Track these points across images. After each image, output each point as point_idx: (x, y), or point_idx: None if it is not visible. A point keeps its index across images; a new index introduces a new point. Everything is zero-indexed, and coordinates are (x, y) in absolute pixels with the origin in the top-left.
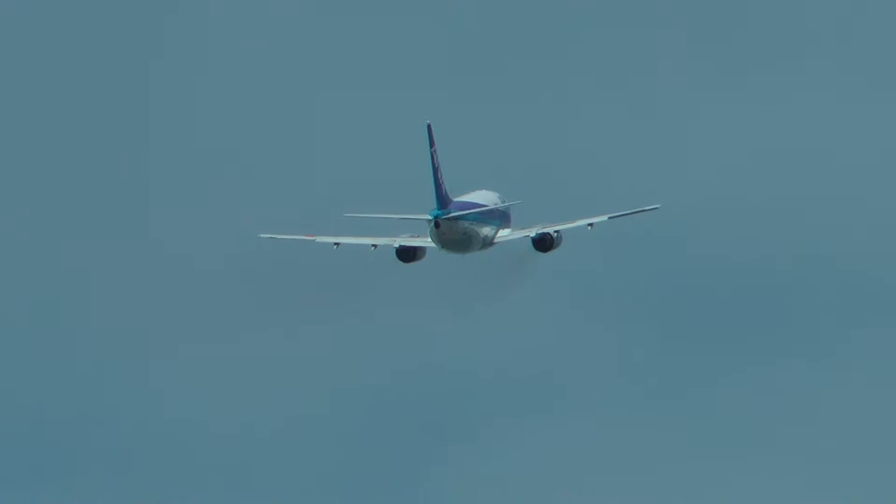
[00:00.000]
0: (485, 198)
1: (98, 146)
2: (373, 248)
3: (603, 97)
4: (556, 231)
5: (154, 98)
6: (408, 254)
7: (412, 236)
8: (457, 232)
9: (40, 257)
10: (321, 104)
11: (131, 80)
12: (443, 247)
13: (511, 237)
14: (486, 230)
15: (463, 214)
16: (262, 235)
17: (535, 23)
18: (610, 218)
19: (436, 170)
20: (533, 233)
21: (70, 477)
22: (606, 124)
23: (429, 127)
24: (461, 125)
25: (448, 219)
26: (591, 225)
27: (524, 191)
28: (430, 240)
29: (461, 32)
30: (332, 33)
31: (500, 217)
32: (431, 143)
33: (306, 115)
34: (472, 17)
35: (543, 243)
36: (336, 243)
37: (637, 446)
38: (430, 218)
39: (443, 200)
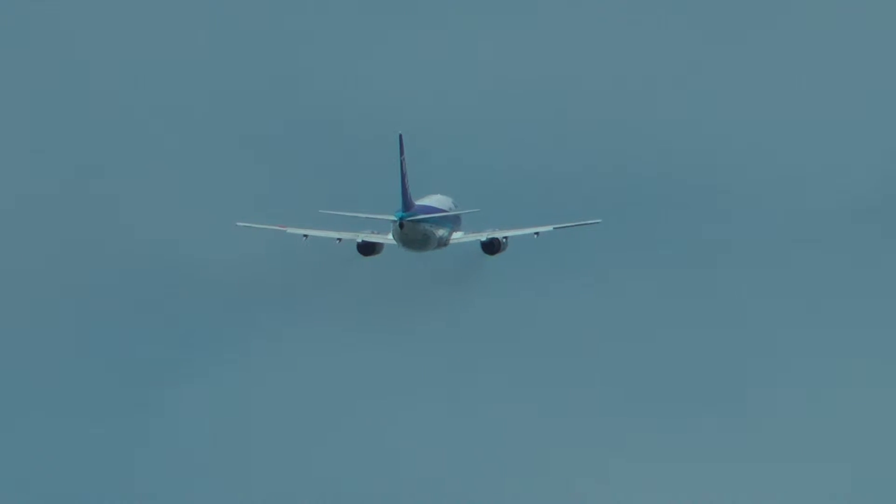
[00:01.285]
0: (441, 202)
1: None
2: (338, 241)
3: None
4: (504, 237)
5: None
6: (368, 248)
7: (373, 233)
8: (417, 233)
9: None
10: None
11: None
12: (403, 245)
13: (463, 239)
14: (442, 232)
15: (425, 218)
16: (238, 224)
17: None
18: (555, 228)
19: (403, 176)
20: (483, 237)
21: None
22: (556, 140)
23: (400, 137)
24: (425, 129)
25: (411, 221)
26: (537, 233)
27: (478, 197)
28: (389, 237)
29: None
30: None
31: (454, 221)
32: (401, 152)
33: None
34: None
35: (492, 247)
36: (305, 235)
37: None
38: (395, 219)
39: (407, 204)
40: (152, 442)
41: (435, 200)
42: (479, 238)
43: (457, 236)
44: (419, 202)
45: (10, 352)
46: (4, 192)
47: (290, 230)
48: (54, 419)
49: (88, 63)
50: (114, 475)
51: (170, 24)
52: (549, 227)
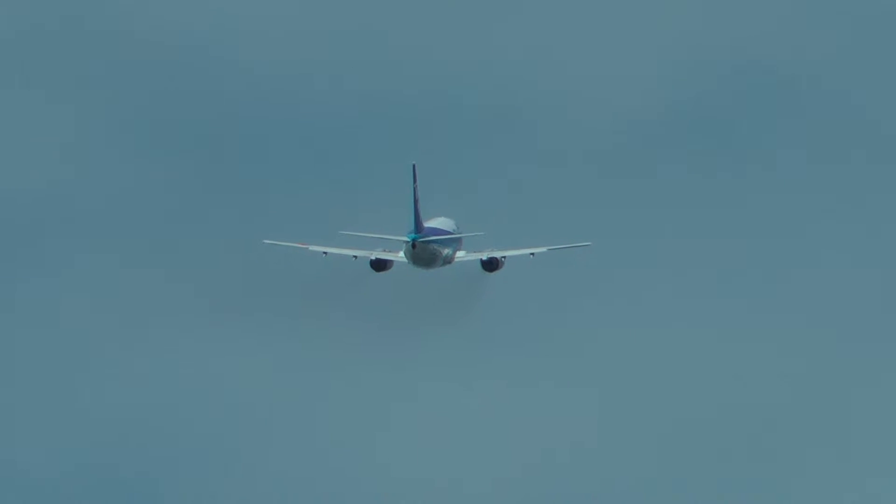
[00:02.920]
0: (445, 224)
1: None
2: (354, 258)
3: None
4: (502, 256)
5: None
6: (380, 265)
7: (385, 250)
8: (427, 252)
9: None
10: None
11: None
12: (413, 263)
13: (466, 258)
14: (447, 251)
15: (434, 239)
16: (265, 241)
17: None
18: (549, 249)
19: (416, 201)
20: (484, 256)
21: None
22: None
23: (413, 167)
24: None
25: (423, 242)
26: (532, 254)
27: (477, 219)
28: (400, 255)
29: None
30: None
31: (457, 241)
32: (414, 180)
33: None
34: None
35: (491, 265)
36: (325, 252)
37: None
38: (408, 240)
39: (419, 226)
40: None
41: (440, 222)
42: (479, 257)
43: (460, 255)
44: (427, 224)
45: None
46: None
47: (311, 248)
48: None
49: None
50: None
51: None
52: (544, 249)
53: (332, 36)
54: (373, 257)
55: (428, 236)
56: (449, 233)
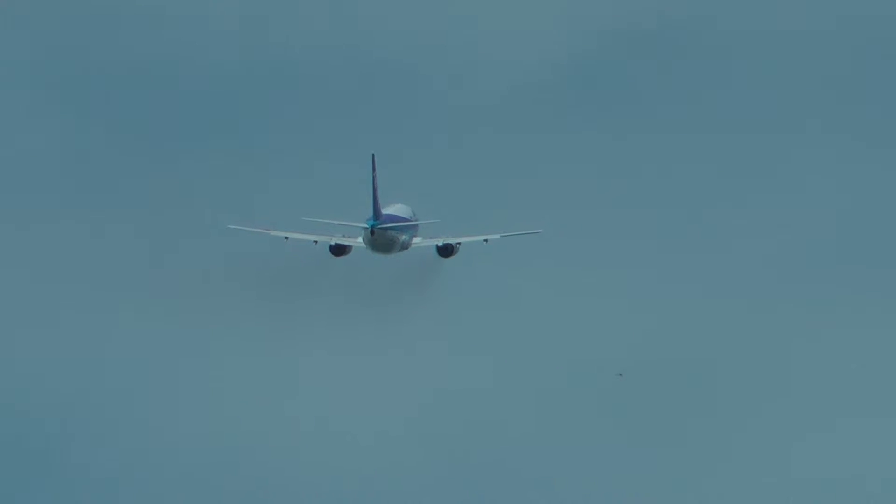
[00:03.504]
0: (402, 210)
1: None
2: (314, 243)
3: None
4: (457, 242)
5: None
6: (339, 250)
7: (344, 236)
8: (385, 238)
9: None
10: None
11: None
12: (372, 248)
13: (422, 244)
14: (405, 237)
15: (392, 226)
16: (230, 226)
17: None
18: (502, 236)
19: (375, 190)
20: (440, 242)
21: None
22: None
23: (373, 157)
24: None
25: (381, 228)
26: (486, 240)
27: (433, 206)
28: (359, 241)
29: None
30: None
31: (414, 228)
32: (374, 169)
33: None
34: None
35: (446, 251)
36: (286, 237)
37: None
38: (367, 226)
39: (377, 213)
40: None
41: (397, 209)
42: (435, 243)
43: (416, 241)
44: (385, 211)
45: None
46: None
47: (273, 233)
48: None
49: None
50: None
51: None
52: (497, 235)
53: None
54: (332, 242)
55: (386, 223)
56: (406, 219)
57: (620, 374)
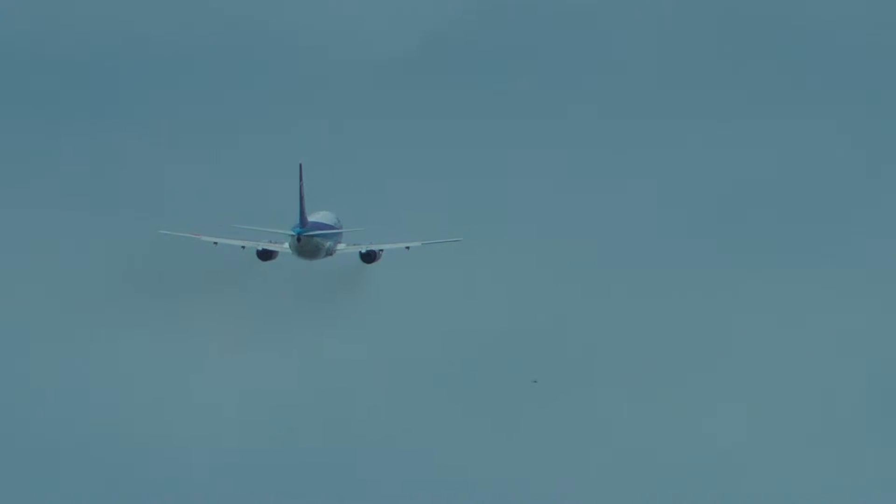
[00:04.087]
0: (327, 217)
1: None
2: (242, 248)
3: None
4: (380, 249)
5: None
6: (266, 255)
7: (270, 242)
8: (311, 245)
9: None
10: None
11: None
12: (298, 254)
13: (346, 250)
14: (329, 244)
15: (318, 234)
16: (161, 231)
17: None
18: (423, 244)
19: (301, 198)
20: (363, 249)
21: None
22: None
23: (300, 166)
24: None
25: (307, 236)
26: (408, 247)
27: (357, 214)
28: (285, 246)
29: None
30: None
31: (338, 235)
32: (301, 178)
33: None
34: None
35: (369, 257)
36: (215, 242)
37: None
38: (293, 234)
39: (303, 221)
40: None
41: (322, 216)
42: (359, 249)
43: (341, 247)
44: (310, 218)
45: None
46: None
47: (203, 238)
48: None
49: None
50: None
51: None
52: (418, 243)
53: None
54: (259, 248)
55: (312, 231)
56: (331, 226)
57: (535, 381)
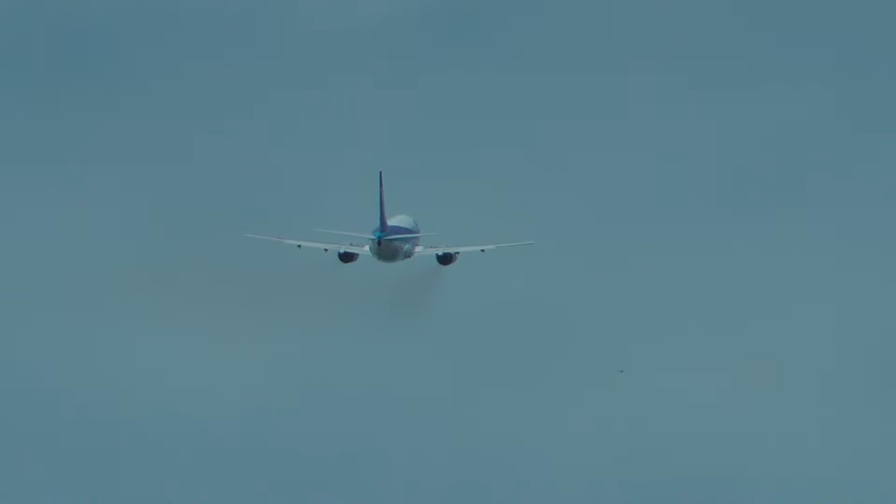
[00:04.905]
0: (405, 221)
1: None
2: (325, 251)
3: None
4: (456, 252)
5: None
6: (347, 257)
7: (351, 244)
8: (391, 248)
9: None
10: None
11: None
12: (378, 257)
13: (424, 253)
14: (408, 247)
15: (397, 238)
16: (248, 235)
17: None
18: (497, 247)
19: (382, 204)
20: (440, 251)
21: None
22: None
23: (380, 174)
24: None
25: (387, 239)
26: (483, 250)
27: (436, 218)
28: (366, 249)
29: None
30: None
31: (416, 238)
32: (381, 185)
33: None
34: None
35: (446, 259)
36: (299, 245)
37: None
38: (374, 238)
39: (384, 225)
40: None
41: (400, 220)
42: (436, 252)
43: (418, 250)
44: (389, 222)
45: None
46: None
47: (287, 241)
48: None
49: None
50: None
51: None
52: (493, 246)
53: None
54: (341, 250)
55: (392, 234)
56: (409, 230)
57: (622, 371)
